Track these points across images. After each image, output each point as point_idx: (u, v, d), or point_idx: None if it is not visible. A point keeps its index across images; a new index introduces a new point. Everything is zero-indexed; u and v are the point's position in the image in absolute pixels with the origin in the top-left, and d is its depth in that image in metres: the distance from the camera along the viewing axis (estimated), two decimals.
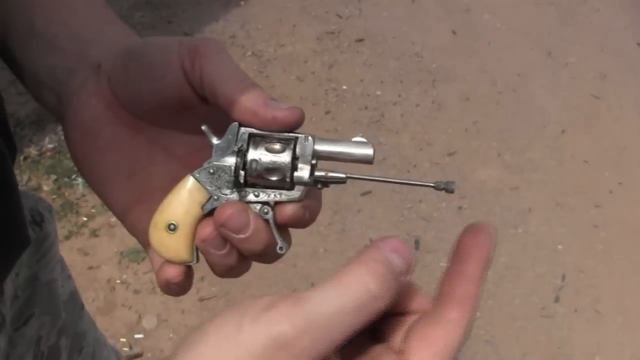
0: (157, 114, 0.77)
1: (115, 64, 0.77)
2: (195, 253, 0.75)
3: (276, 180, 0.71)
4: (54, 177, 3.58)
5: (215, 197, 0.72)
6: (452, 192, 0.72)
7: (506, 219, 3.67)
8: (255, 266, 0.79)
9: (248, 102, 0.69)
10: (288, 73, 4.38)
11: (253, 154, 0.71)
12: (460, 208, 3.68)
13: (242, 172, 0.71)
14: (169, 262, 0.75)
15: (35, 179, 3.58)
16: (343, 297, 0.56)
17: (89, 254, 3.29)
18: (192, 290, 2.76)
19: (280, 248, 0.73)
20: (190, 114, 0.76)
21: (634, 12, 5.05)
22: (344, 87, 4.33)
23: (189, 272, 0.76)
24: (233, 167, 0.71)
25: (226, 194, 0.72)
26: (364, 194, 3.59)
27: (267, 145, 0.71)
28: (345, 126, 4.06)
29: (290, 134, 0.72)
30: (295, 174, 0.71)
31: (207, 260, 0.74)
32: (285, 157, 0.71)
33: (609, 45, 4.80)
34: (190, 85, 0.73)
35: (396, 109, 4.22)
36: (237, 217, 0.69)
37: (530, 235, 3.61)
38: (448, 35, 4.76)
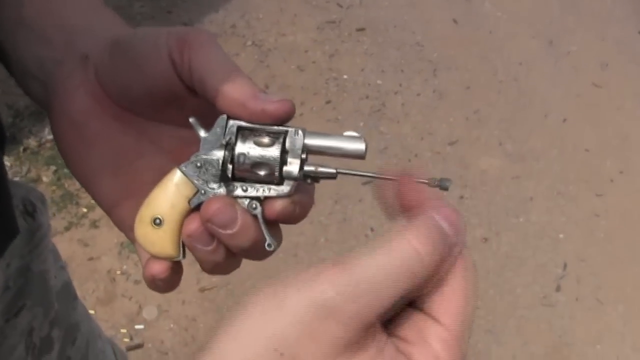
0: (145, 107, 0.76)
1: (103, 55, 0.76)
2: (181, 248, 0.73)
3: (265, 174, 0.69)
4: (53, 168, 3.57)
5: (202, 192, 0.71)
6: (446, 189, 0.70)
7: (507, 208, 3.66)
8: None
9: (237, 94, 0.68)
10: (289, 63, 4.37)
11: (241, 148, 0.69)
12: (461, 197, 3.67)
13: (229, 166, 0.70)
14: (154, 257, 0.74)
15: (34, 170, 3.57)
16: (388, 257, 0.55)
17: (89, 245, 3.28)
18: (193, 280, 2.76)
19: (269, 245, 0.71)
20: (179, 107, 0.75)
21: (635, 1, 5.04)
22: (345, 76, 4.31)
23: (175, 268, 0.75)
24: (220, 161, 0.70)
25: (213, 188, 0.70)
26: (365, 183, 3.57)
27: (256, 138, 0.70)
28: (346, 116, 4.05)
29: (280, 127, 0.70)
30: (285, 168, 0.69)
31: (194, 256, 0.73)
32: (274, 151, 0.69)
33: (611, 34, 4.79)
34: (178, 77, 0.72)
35: (397, 98, 4.21)
36: (224, 212, 0.68)
37: (532, 224, 3.61)
38: (449, 24, 4.75)
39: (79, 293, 1.28)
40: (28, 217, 1.04)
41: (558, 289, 3.32)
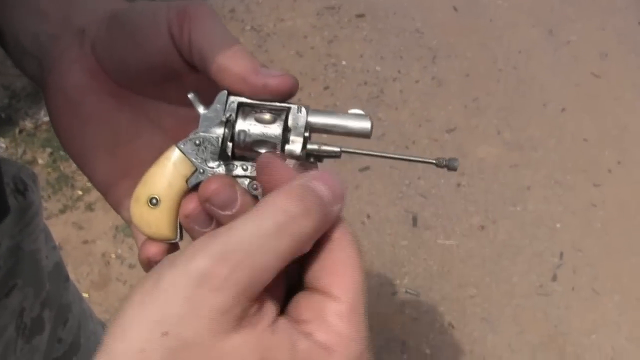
0: (143, 83, 0.75)
1: (100, 30, 0.75)
2: (178, 230, 0.72)
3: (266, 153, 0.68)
4: (49, 150, 3.57)
5: (201, 171, 0.69)
6: (454, 169, 0.69)
7: (505, 197, 3.65)
8: None
9: (238, 68, 0.67)
10: (287, 48, 4.36)
11: (241, 125, 0.68)
12: (458, 185, 3.66)
13: (229, 144, 0.68)
14: (150, 238, 0.72)
15: (30, 152, 3.56)
16: (259, 219, 0.54)
17: (84, 228, 3.28)
18: None
19: None
20: (178, 83, 0.74)
21: None
22: (344, 62, 4.30)
23: (172, 250, 0.73)
24: (220, 139, 0.68)
25: (212, 167, 0.69)
26: (362, 169, 3.57)
27: (257, 115, 0.68)
28: (344, 102, 4.04)
29: (283, 104, 0.69)
30: (287, 147, 0.68)
31: (191, 237, 0.71)
32: (275, 129, 0.67)
33: (611, 24, 4.78)
34: (178, 52, 0.70)
35: (396, 85, 4.20)
36: (223, 192, 0.66)
37: (529, 213, 3.60)
38: (449, 11, 4.74)
39: (73, 276, 1.27)
40: (19, 196, 1.02)
41: (554, 278, 3.32)
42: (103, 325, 1.42)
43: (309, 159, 0.69)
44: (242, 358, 0.52)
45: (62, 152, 3.53)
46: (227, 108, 0.69)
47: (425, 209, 3.53)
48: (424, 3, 4.74)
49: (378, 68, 4.29)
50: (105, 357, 0.50)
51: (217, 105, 0.69)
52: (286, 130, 0.68)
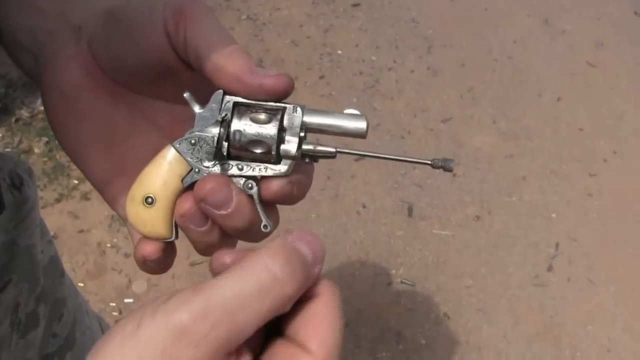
0: (139, 81, 0.75)
1: (96, 27, 0.75)
2: (173, 229, 0.72)
3: (261, 153, 0.68)
4: (45, 139, 3.56)
5: (196, 170, 0.69)
6: (450, 170, 0.69)
7: (500, 187, 3.66)
8: None
9: (233, 68, 0.67)
10: (283, 37, 4.35)
11: (237, 125, 0.68)
12: (454, 175, 3.66)
13: (225, 144, 0.68)
14: (146, 237, 0.72)
15: (26, 141, 3.55)
16: (243, 280, 0.54)
17: (80, 217, 3.27)
18: (183, 254, 2.75)
19: (265, 226, 0.69)
20: (174, 81, 0.74)
21: None
22: (339, 52, 4.30)
23: (168, 249, 0.74)
24: (215, 138, 0.68)
25: (208, 167, 0.69)
26: (358, 159, 3.58)
27: (252, 115, 0.68)
28: (339, 91, 4.04)
29: (278, 104, 0.69)
30: (282, 147, 0.68)
31: (187, 236, 0.71)
32: (271, 129, 0.67)
33: (606, 14, 4.78)
34: (173, 50, 0.70)
35: (391, 75, 4.19)
36: (219, 192, 0.67)
37: (524, 203, 3.61)
38: (444, 1, 4.74)
39: (68, 265, 1.27)
40: (15, 191, 1.02)
41: (550, 268, 3.33)
42: (99, 319, 1.42)
43: (304, 159, 0.69)
44: None
45: (57, 141, 3.53)
46: (222, 107, 0.69)
47: (420, 199, 3.54)
48: None
49: (373, 58, 4.29)
50: None
51: (212, 104, 0.69)
52: (282, 130, 0.68)
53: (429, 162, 0.69)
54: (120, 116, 0.76)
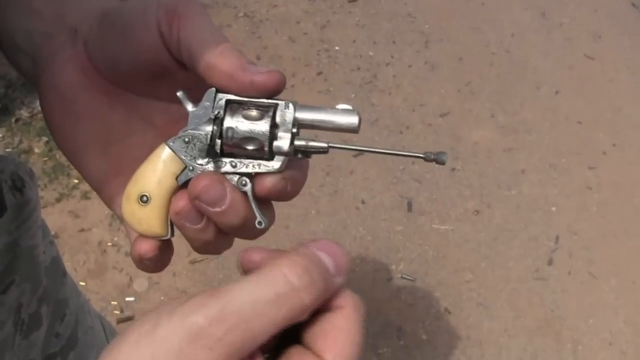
0: (135, 81, 0.75)
1: (92, 29, 0.75)
2: (169, 227, 0.72)
3: (254, 149, 0.68)
4: (45, 139, 3.57)
5: (190, 168, 0.69)
6: (442, 163, 0.68)
7: (499, 181, 3.66)
8: None
9: (225, 66, 0.67)
10: (280, 34, 4.35)
11: (229, 122, 0.68)
12: (453, 169, 3.66)
13: (218, 141, 0.68)
14: (142, 236, 0.73)
15: (26, 141, 3.56)
16: (261, 286, 0.54)
17: (80, 217, 3.27)
18: (184, 252, 2.75)
19: (260, 223, 0.70)
20: (169, 81, 0.74)
21: None
22: (337, 48, 4.30)
23: (164, 247, 0.74)
24: (209, 136, 0.68)
25: (201, 164, 0.69)
26: (357, 155, 3.57)
27: (245, 112, 0.68)
28: (337, 87, 4.04)
29: (270, 101, 0.69)
30: (275, 143, 0.68)
31: (183, 234, 0.72)
32: (263, 125, 0.68)
33: (603, 6, 4.78)
34: (167, 50, 0.71)
35: (389, 70, 4.20)
36: (213, 189, 0.67)
37: (524, 197, 3.61)
38: None
39: (69, 265, 1.27)
40: (17, 193, 1.02)
41: (550, 262, 3.33)
42: (100, 319, 1.42)
43: (296, 155, 0.69)
44: None
45: None
46: (215, 105, 0.69)
47: (420, 194, 3.54)
48: None
49: (371, 53, 4.29)
50: None
51: (205, 102, 0.69)
52: (274, 126, 0.68)
53: (422, 155, 0.69)
54: (117, 116, 0.76)
